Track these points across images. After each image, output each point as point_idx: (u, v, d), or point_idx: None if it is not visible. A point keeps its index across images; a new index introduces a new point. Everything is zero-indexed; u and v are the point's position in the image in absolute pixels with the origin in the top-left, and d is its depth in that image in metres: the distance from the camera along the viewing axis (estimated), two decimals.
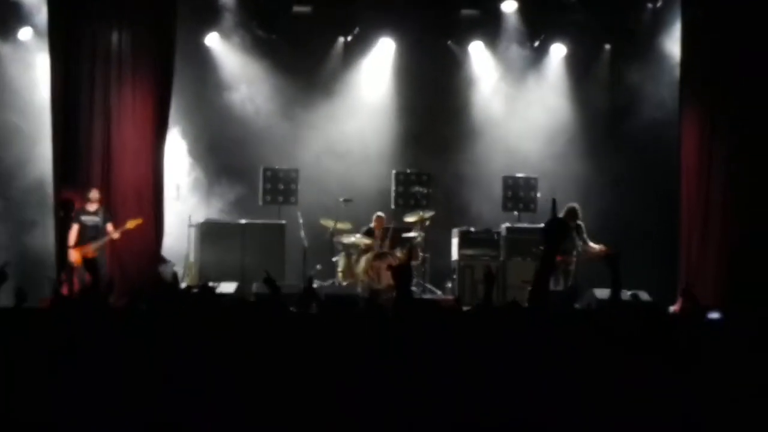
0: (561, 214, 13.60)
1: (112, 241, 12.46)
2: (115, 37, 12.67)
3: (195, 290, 6.30)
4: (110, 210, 12.65)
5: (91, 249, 12.32)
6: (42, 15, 13.04)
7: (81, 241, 12.39)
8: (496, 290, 14.26)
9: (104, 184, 12.64)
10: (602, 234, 13.69)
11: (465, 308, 7.24)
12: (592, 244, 13.35)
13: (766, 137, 12.97)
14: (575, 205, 13.61)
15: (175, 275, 11.99)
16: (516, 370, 4.25)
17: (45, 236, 13.07)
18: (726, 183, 13.23)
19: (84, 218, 12.47)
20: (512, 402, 4.15)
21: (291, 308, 5.63)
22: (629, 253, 13.85)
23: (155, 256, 12.81)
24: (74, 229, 12.45)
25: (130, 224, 12.38)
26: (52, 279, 12.22)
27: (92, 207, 12.54)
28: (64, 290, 11.10)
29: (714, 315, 9.47)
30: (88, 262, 10.81)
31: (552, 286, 12.36)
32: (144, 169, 12.83)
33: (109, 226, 12.50)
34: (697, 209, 13.36)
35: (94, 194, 12.50)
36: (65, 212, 12.37)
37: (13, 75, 13.92)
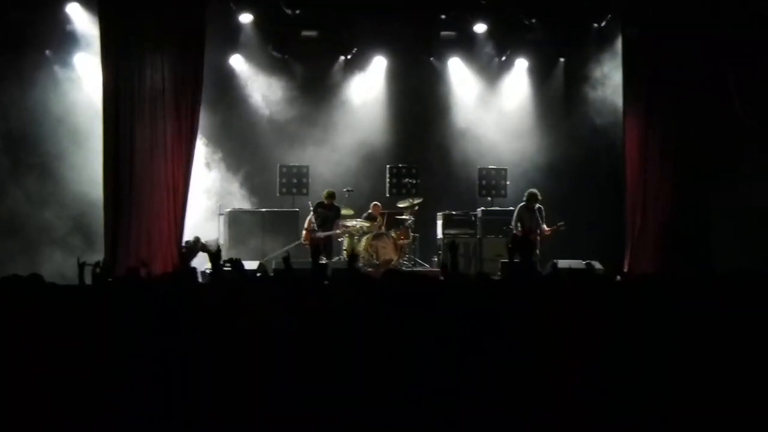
0: (524, 199, 13.47)
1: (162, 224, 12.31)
2: (155, 57, 12.49)
3: (227, 265, 6.08)
4: (339, 210, 13.65)
5: (318, 235, 13.27)
6: (92, 41, 12.84)
7: (313, 228, 13.41)
8: (474, 262, 14.24)
9: (147, 178, 12.36)
10: (562, 213, 13.54)
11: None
12: (544, 226, 13.14)
13: (693, 133, 13.00)
14: (535, 190, 13.45)
15: (218, 247, 11.81)
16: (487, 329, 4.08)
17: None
18: (661, 170, 13.27)
19: (321, 210, 13.50)
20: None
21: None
22: (584, 230, 13.89)
23: (180, 240, 12.50)
24: (308, 218, 13.49)
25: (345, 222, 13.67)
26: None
27: (328, 204, 13.57)
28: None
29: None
30: (313, 245, 12.56)
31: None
32: (180, 168, 12.58)
33: (339, 222, 13.53)
34: (639, 192, 13.36)
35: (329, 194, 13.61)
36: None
37: (67, 92, 13.56)
